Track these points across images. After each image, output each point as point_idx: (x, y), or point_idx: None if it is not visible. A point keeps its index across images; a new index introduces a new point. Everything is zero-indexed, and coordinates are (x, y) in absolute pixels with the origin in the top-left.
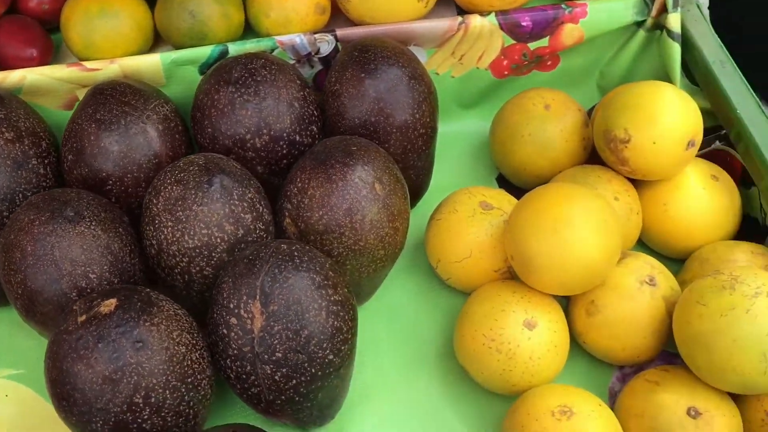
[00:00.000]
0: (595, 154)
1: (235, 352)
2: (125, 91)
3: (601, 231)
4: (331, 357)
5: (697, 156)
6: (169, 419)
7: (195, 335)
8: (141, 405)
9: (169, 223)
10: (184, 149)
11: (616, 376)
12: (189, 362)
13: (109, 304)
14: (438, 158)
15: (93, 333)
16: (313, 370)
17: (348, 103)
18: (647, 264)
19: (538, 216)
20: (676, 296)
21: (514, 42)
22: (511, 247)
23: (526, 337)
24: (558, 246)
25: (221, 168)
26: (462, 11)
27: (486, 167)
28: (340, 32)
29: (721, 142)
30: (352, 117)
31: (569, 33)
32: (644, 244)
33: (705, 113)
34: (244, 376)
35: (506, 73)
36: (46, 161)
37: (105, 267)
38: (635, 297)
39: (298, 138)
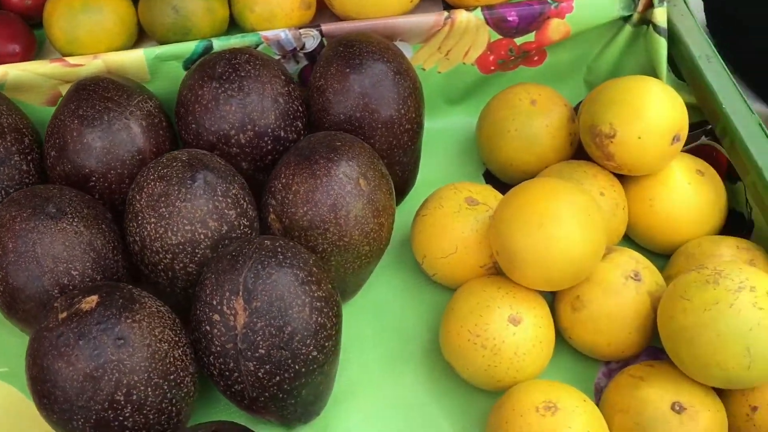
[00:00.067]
0: (582, 149)
1: (218, 348)
2: (108, 86)
3: (585, 226)
4: (314, 353)
5: (684, 151)
6: (152, 417)
7: (178, 332)
8: (122, 402)
9: (152, 220)
10: (169, 145)
11: (602, 371)
12: (171, 359)
13: (91, 301)
14: (425, 154)
15: (74, 330)
16: (296, 367)
17: (333, 99)
18: (632, 259)
19: (522, 211)
20: (662, 291)
21: (500, 37)
22: (496, 243)
23: (511, 332)
24: (542, 241)
25: (205, 164)
26: (448, 6)
27: (473, 163)
28: (325, 27)
29: (707, 137)
30: (337, 112)
31: (556, 28)
32: (631, 240)
33: (691, 108)
34: (227, 373)
35: (493, 68)
36: (29, 157)
37: (87, 264)
38: (620, 292)
39: (282, 134)
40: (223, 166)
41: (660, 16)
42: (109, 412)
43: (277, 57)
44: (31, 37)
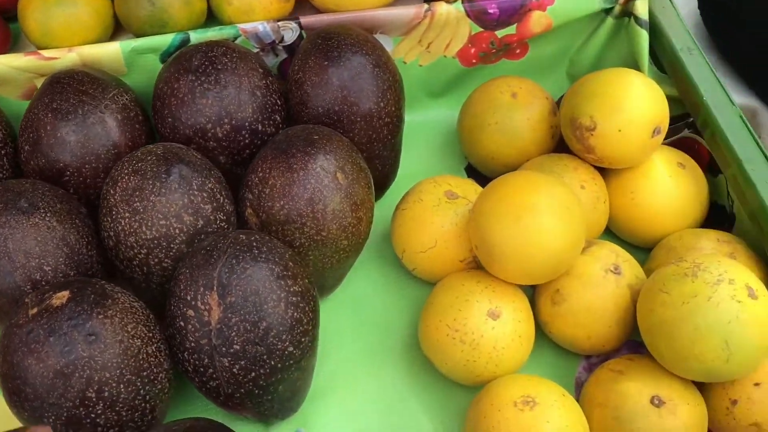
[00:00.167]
0: (564, 142)
1: (193, 344)
2: (83, 80)
3: (564, 219)
4: (291, 349)
5: (666, 144)
6: (124, 414)
7: (152, 328)
8: (94, 399)
9: (126, 214)
10: (145, 139)
11: (582, 366)
12: (144, 355)
13: (61, 297)
14: (406, 148)
15: (44, 326)
16: (272, 363)
17: (311, 92)
18: (612, 252)
19: (500, 204)
20: (642, 285)
21: (481, 30)
22: (476, 236)
23: (490, 327)
24: (521, 234)
25: (180, 158)
26: None
27: (455, 157)
28: (304, 20)
29: (690, 129)
30: (315, 106)
31: (537, 20)
32: (612, 233)
33: (673, 101)
34: (201, 369)
35: (474, 61)
36: (2, 152)
37: (60, 259)
38: (600, 285)
39: (260, 127)
40: (199, 160)
41: (641, 8)
42: (81, 409)
43: (256, 50)
44: (6, 30)
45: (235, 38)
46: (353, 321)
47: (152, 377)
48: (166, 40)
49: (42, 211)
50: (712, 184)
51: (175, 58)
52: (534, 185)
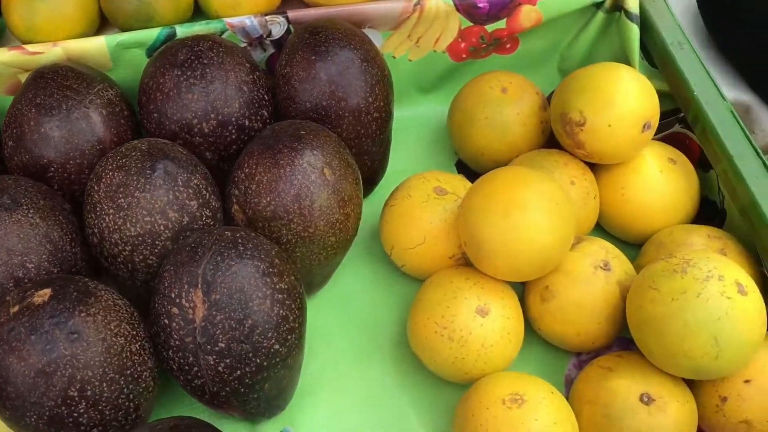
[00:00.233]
0: (554, 138)
1: (177, 342)
2: (67, 74)
3: (553, 215)
4: (276, 347)
5: (657, 139)
6: (108, 413)
7: (136, 326)
8: (76, 398)
9: (111, 211)
10: (131, 135)
11: (572, 363)
12: (128, 354)
13: (43, 294)
14: (396, 144)
15: (25, 324)
16: (258, 361)
17: (299, 87)
18: (602, 248)
19: (489, 200)
20: (631, 281)
21: (471, 24)
22: (464, 233)
23: (479, 324)
24: (509, 230)
25: (165, 153)
26: None
27: (445, 153)
28: (291, 14)
29: (681, 124)
30: (302, 101)
31: (527, 15)
32: (603, 229)
33: (664, 96)
34: (186, 368)
35: (464, 56)
36: None
37: (44, 256)
38: (589, 282)
39: (247, 123)
40: (185, 156)
41: (632, 1)
42: (63, 408)
43: (243, 44)
44: None
45: (222, 32)
46: (341, 318)
47: (136, 376)
48: (152, 34)
49: (25, 207)
50: (703, 179)
51: (161, 53)
52: (523, 181)
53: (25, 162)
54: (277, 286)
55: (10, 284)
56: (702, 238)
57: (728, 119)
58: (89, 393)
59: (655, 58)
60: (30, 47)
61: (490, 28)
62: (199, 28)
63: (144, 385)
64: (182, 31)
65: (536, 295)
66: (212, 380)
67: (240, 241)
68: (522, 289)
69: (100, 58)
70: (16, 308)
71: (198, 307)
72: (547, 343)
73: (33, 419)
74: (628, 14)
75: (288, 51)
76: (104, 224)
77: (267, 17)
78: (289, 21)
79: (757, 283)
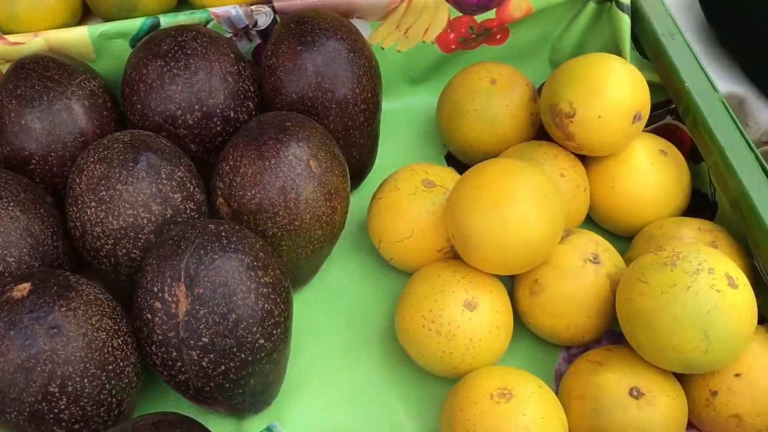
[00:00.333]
0: (544, 130)
1: (160, 337)
2: (49, 65)
3: (541, 207)
4: (261, 341)
5: (648, 131)
6: (89, 409)
7: (118, 320)
8: (57, 394)
9: (93, 204)
10: (114, 127)
11: (562, 357)
12: (110, 349)
13: (22, 289)
14: (385, 136)
15: (4, 319)
16: (242, 356)
17: (284, 78)
18: (592, 241)
19: (477, 192)
20: (621, 274)
21: (460, 14)
22: (452, 225)
23: (467, 318)
24: (497, 223)
25: (148, 145)
26: None
27: (435, 145)
28: (278, 4)
29: (672, 116)
30: (289, 92)
31: (517, 5)
32: (594, 222)
33: (656, 87)
34: (170, 363)
35: (454, 47)
36: None
37: (24, 250)
38: (579, 275)
39: (232, 114)
40: (169, 148)
41: None
42: (44, 404)
43: (229, 35)
44: None
45: (207, 22)
46: (329, 312)
47: (118, 371)
48: (135, 24)
49: (5, 200)
50: (695, 171)
51: (144, 43)
52: (512, 173)
53: (6, 154)
54: (262, 280)
55: None
56: (693, 230)
57: (720, 111)
58: (70, 389)
59: (647, 48)
60: (11, 37)
61: (479, 18)
62: (183, 18)
63: (127, 380)
64: (166, 21)
65: (525, 288)
66: (196, 375)
67: (224, 234)
68: (511, 283)
69: (83, 49)
70: None
71: (181, 301)
72: (537, 337)
73: (13, 416)
74: (619, 4)
75: (274, 41)
76: (86, 217)
77: (253, 7)
78: (275, 11)
79: (748, 276)
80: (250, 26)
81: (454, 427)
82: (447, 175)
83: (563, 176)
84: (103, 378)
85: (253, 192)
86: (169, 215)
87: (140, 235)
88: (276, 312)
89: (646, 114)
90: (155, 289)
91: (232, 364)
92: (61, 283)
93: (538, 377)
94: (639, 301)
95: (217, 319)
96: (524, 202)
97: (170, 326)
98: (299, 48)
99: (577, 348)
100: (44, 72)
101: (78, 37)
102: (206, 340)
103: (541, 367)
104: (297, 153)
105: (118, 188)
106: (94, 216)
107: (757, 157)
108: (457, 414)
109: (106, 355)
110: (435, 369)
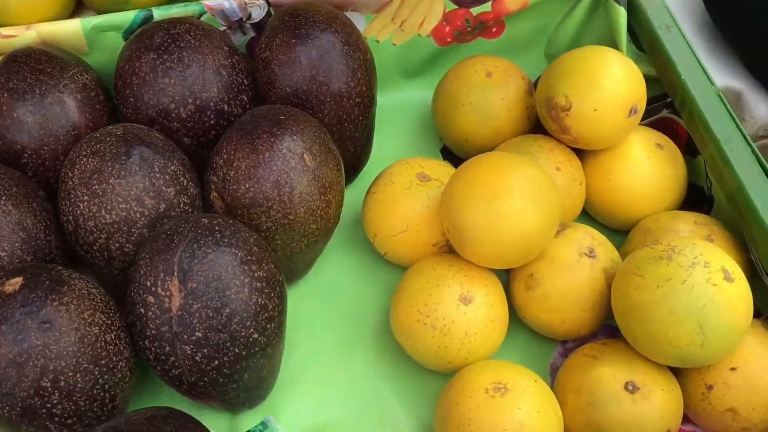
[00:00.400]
0: (540, 123)
1: (153, 332)
2: (41, 58)
3: (537, 201)
4: (255, 336)
5: (645, 124)
6: (82, 404)
7: (111, 315)
8: (49, 389)
9: (85, 198)
10: (107, 120)
11: (558, 351)
12: (103, 343)
13: (14, 283)
14: (380, 130)
15: None
16: (236, 350)
17: (279, 71)
18: (587, 235)
19: (472, 186)
20: (617, 268)
21: (455, 7)
22: (447, 219)
23: (462, 312)
24: (492, 216)
25: (141, 139)
26: None
27: (430, 139)
28: None
29: (668, 109)
30: (283, 85)
31: None
32: (590, 216)
33: (652, 81)
34: (163, 357)
35: (449, 40)
36: None
37: (17, 244)
38: (574, 269)
39: (226, 107)
40: (162, 141)
41: None
42: (36, 399)
43: (223, 28)
44: None
45: (201, 15)
46: (324, 307)
47: (111, 366)
48: (128, 17)
49: None
50: (691, 165)
51: (137, 36)
52: (507, 166)
53: None
54: (256, 275)
55: None
56: (689, 224)
57: (716, 104)
58: (63, 384)
59: (643, 41)
60: (3, 30)
61: (475, 11)
62: (176, 10)
63: (120, 375)
64: (159, 13)
65: (521, 282)
66: (190, 370)
67: (217, 228)
68: (506, 277)
69: (76, 42)
70: None
71: (174, 295)
72: (533, 331)
73: (5, 411)
74: None
75: (268, 34)
76: (79, 211)
77: (246, 0)
78: (269, 3)
79: (744, 270)
80: (244, 19)
81: (449, 421)
82: (442, 169)
83: (559, 170)
84: (96, 373)
85: (247, 186)
86: (162, 209)
87: (133, 229)
88: (270, 306)
89: (642, 107)
90: (148, 284)
91: (225, 359)
92: (53, 277)
93: (534, 371)
94: (635, 295)
95: (211, 314)
96: (519, 196)
97: (163, 321)
98: (293, 41)
99: (573, 342)
100: (36, 65)
101: (71, 29)
102: (200, 334)
103: (537, 361)
104: (291, 146)
105: (110, 182)
106: (86, 210)
107: (753, 150)
108: (452, 408)
109: (99, 350)
110: (430, 363)
